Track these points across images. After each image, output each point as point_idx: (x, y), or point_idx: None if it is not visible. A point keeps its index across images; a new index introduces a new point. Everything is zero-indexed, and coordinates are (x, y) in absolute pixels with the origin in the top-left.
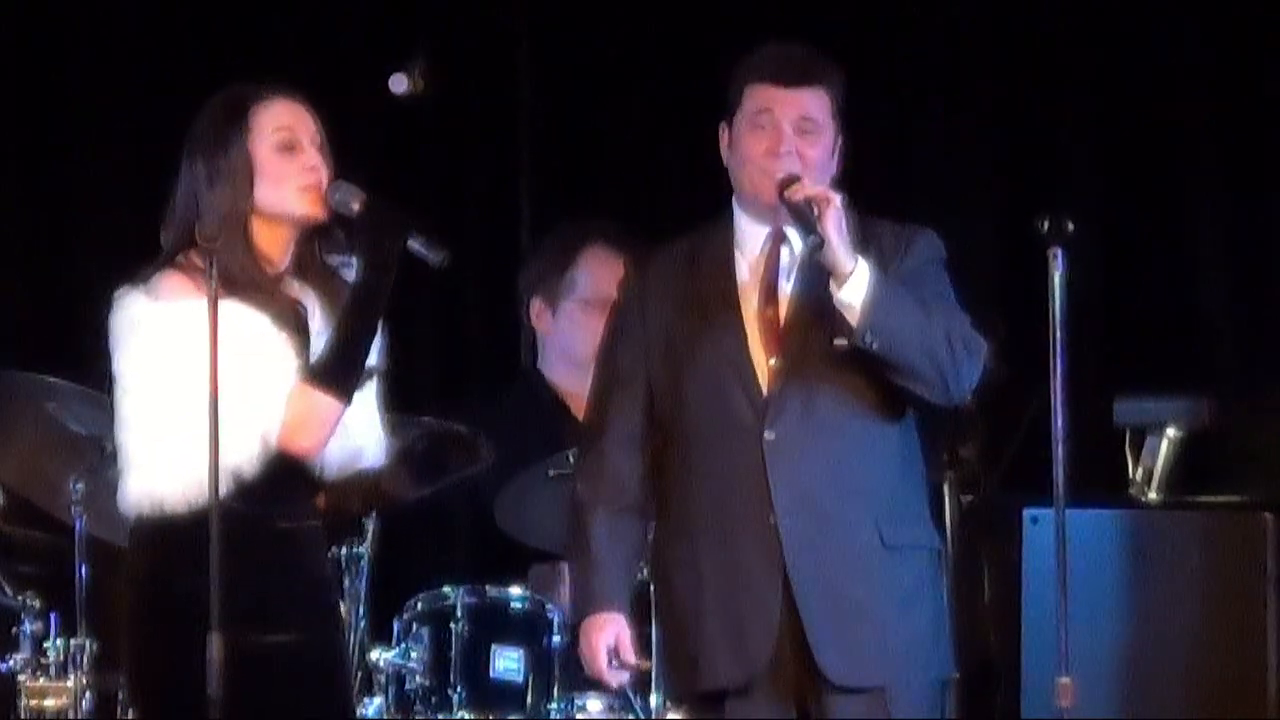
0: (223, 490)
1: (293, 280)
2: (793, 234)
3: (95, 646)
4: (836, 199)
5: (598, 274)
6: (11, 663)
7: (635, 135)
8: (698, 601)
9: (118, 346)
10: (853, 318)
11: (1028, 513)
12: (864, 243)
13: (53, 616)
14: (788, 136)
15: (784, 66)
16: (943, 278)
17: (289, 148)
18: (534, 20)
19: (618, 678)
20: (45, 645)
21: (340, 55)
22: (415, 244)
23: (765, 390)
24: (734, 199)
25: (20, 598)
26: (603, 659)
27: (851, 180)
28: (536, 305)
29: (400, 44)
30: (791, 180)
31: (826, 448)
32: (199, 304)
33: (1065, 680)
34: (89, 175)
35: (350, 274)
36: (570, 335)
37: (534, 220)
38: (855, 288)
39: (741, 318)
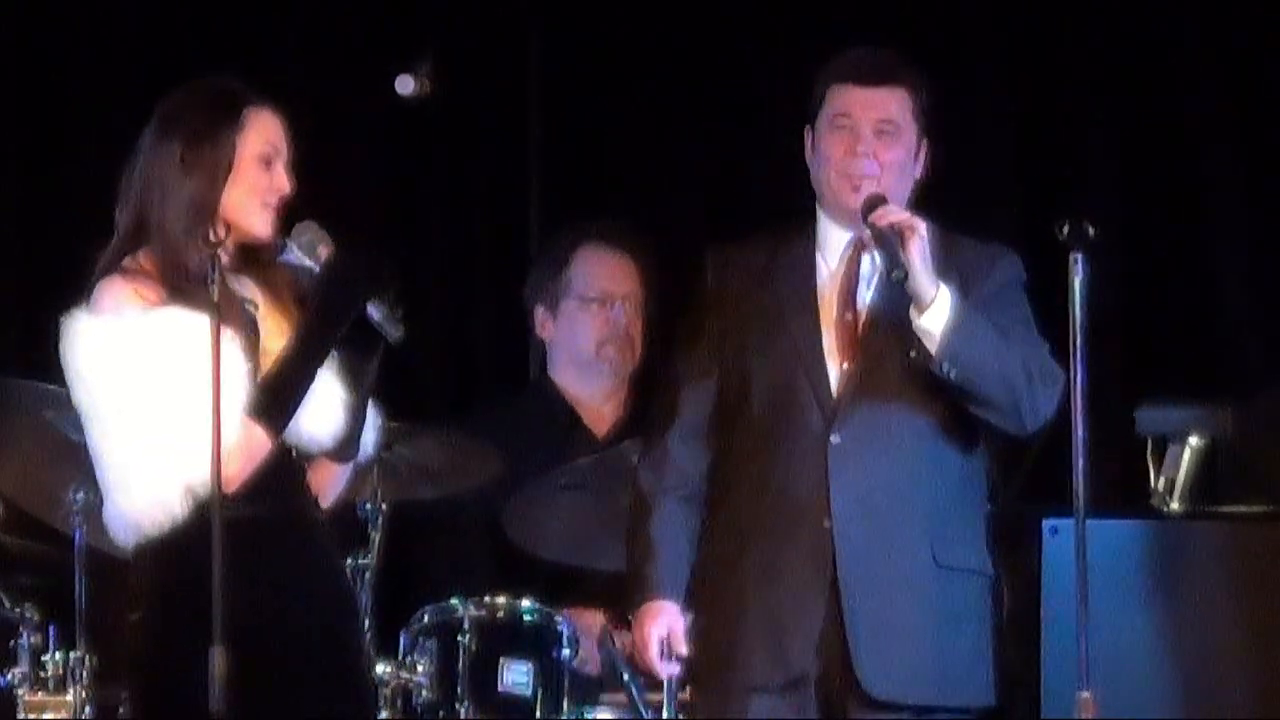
0: (178, 509)
1: (232, 274)
2: (878, 258)
3: (94, 660)
4: (921, 226)
5: (593, 271)
6: (10, 676)
7: (647, 138)
8: (742, 598)
9: (68, 373)
10: (932, 345)
11: (1047, 523)
12: (946, 263)
13: (51, 629)
14: (866, 138)
15: (864, 67)
16: (1023, 301)
17: (268, 162)
18: (544, 20)
19: (668, 669)
20: (44, 658)
21: (345, 56)
22: (375, 314)
23: (835, 394)
24: (817, 202)
25: (18, 610)
26: (654, 649)
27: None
28: (540, 314)
29: (406, 44)
30: (876, 202)
31: (891, 459)
32: (143, 314)
33: (1086, 694)
34: (89, 180)
35: (289, 256)
36: (571, 334)
37: (543, 224)
38: (936, 316)
39: (818, 321)
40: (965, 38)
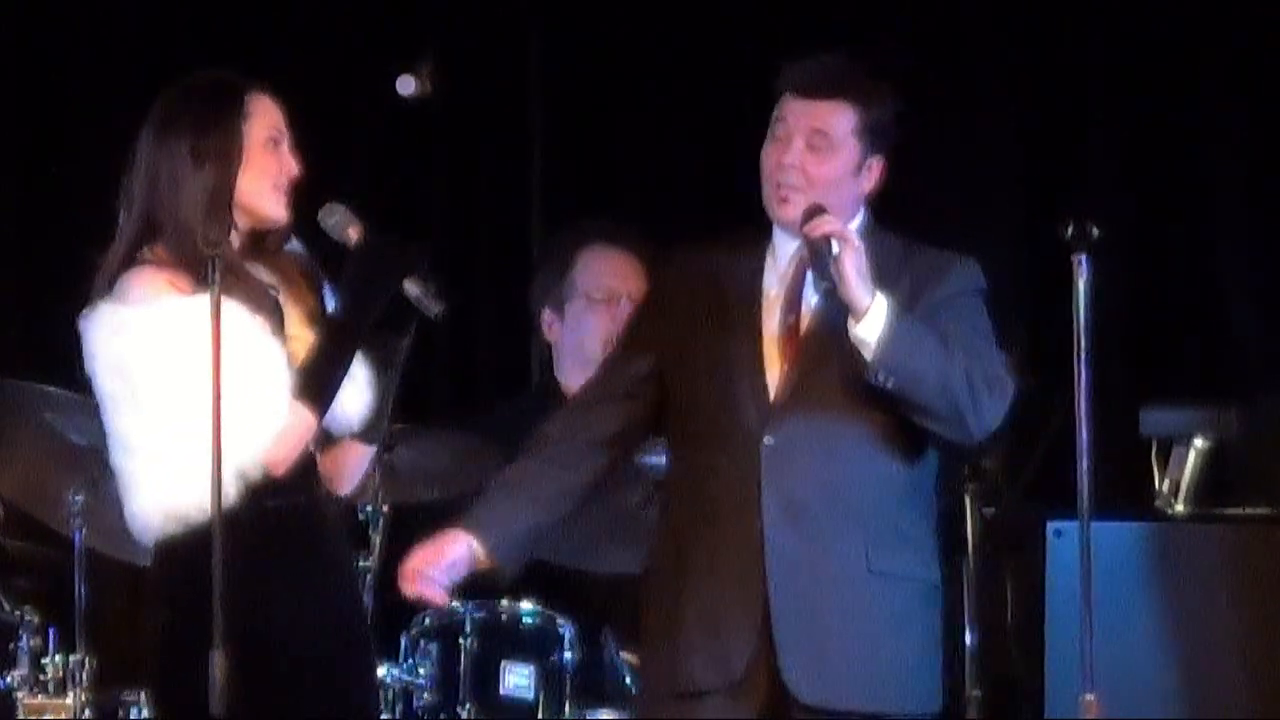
0: (232, 494)
1: (247, 263)
2: (810, 269)
3: (94, 663)
4: (854, 238)
5: (598, 270)
6: (9, 679)
7: (648, 138)
8: (682, 599)
9: (98, 365)
10: (868, 354)
11: (1051, 525)
12: (898, 270)
13: (51, 632)
14: (796, 150)
15: (807, 77)
16: (976, 310)
17: (275, 144)
18: (544, 20)
19: (417, 587)
20: (43, 661)
21: (346, 56)
22: (413, 290)
23: (773, 397)
24: None
25: (18, 612)
26: (409, 563)
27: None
28: (546, 316)
29: (408, 45)
30: (814, 212)
31: (826, 462)
32: (176, 300)
33: (1090, 697)
34: (89, 181)
35: (293, 246)
36: (578, 334)
37: (545, 224)
38: (871, 325)
39: (760, 323)
40: (968, 38)
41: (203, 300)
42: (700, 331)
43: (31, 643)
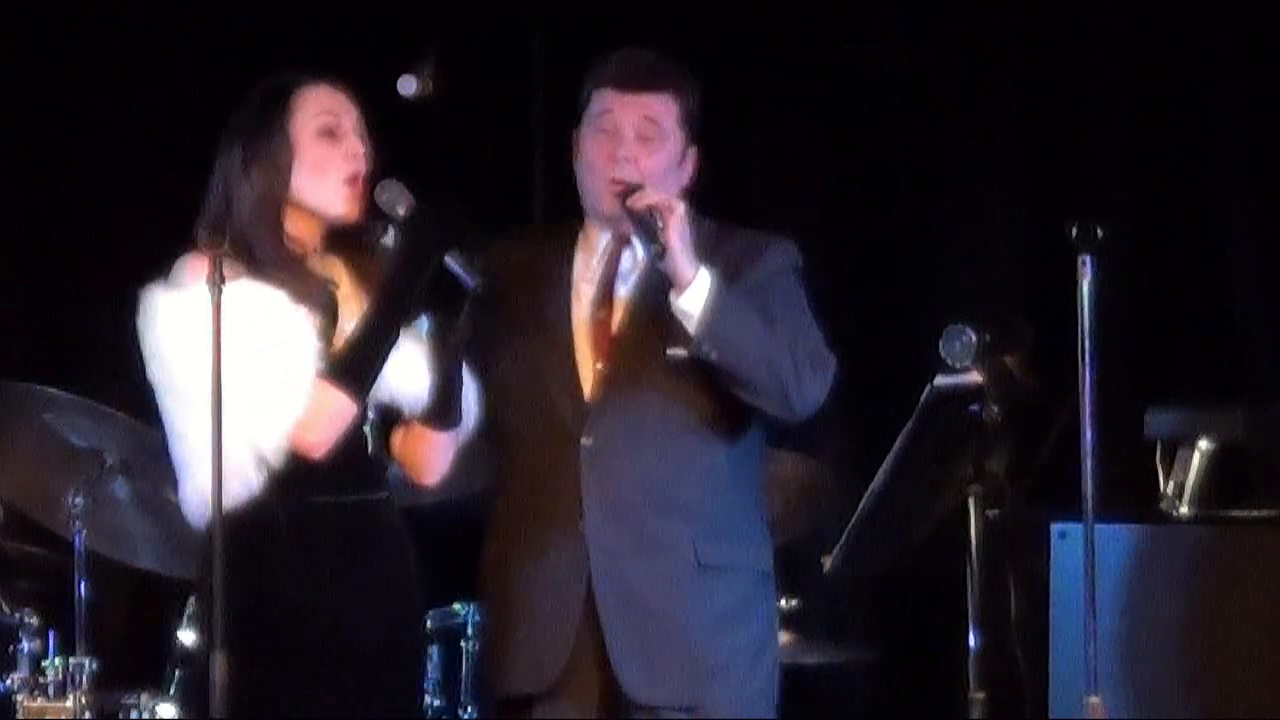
0: (255, 483)
1: (321, 257)
2: (636, 240)
3: (95, 665)
4: (680, 207)
5: None
6: (9, 682)
7: None
8: (506, 602)
9: (146, 347)
10: (691, 326)
11: (1055, 528)
12: (713, 252)
13: (51, 634)
14: (627, 142)
15: (628, 72)
16: (794, 289)
17: (330, 134)
18: (546, 20)
19: None
20: (44, 664)
21: (346, 56)
22: (454, 264)
23: (588, 395)
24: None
25: (18, 615)
26: None
27: (882, 185)
28: None
29: (409, 45)
30: (634, 189)
31: (646, 459)
32: (225, 284)
33: (1094, 699)
34: (88, 183)
35: (389, 241)
36: None
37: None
38: (694, 297)
39: (571, 320)
40: (968, 38)
41: (239, 285)
42: (512, 328)
43: (32, 645)
